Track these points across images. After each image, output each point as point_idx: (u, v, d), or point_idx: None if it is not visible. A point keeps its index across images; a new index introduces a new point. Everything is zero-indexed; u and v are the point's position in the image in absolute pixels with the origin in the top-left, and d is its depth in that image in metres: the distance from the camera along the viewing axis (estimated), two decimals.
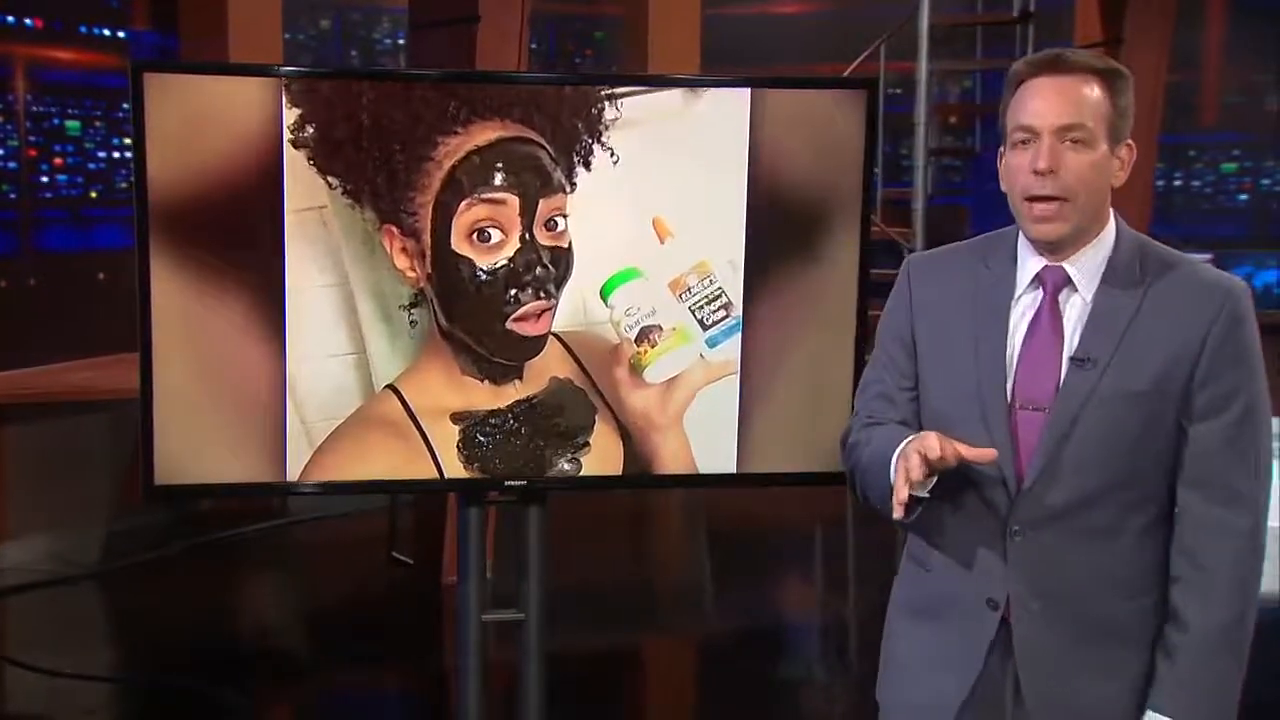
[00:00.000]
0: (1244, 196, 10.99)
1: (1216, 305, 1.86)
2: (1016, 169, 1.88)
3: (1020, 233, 1.95)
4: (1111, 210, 1.93)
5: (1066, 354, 1.88)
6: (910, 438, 1.88)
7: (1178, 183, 11.05)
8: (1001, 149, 1.94)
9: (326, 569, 5.87)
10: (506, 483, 2.91)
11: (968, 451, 1.82)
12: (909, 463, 1.81)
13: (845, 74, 6.96)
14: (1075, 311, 1.90)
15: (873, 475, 1.98)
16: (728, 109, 2.84)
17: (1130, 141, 1.90)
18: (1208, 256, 10.18)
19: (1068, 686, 1.91)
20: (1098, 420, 1.85)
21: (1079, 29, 7.92)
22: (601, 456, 2.91)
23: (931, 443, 1.81)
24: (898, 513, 1.83)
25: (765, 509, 6.01)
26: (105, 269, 8.30)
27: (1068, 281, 1.91)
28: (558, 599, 3.11)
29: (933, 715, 1.99)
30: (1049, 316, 1.91)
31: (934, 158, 7.57)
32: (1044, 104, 1.84)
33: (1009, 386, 1.90)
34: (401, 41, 10.76)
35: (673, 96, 2.84)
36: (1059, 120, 1.83)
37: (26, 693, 4.38)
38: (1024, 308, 1.93)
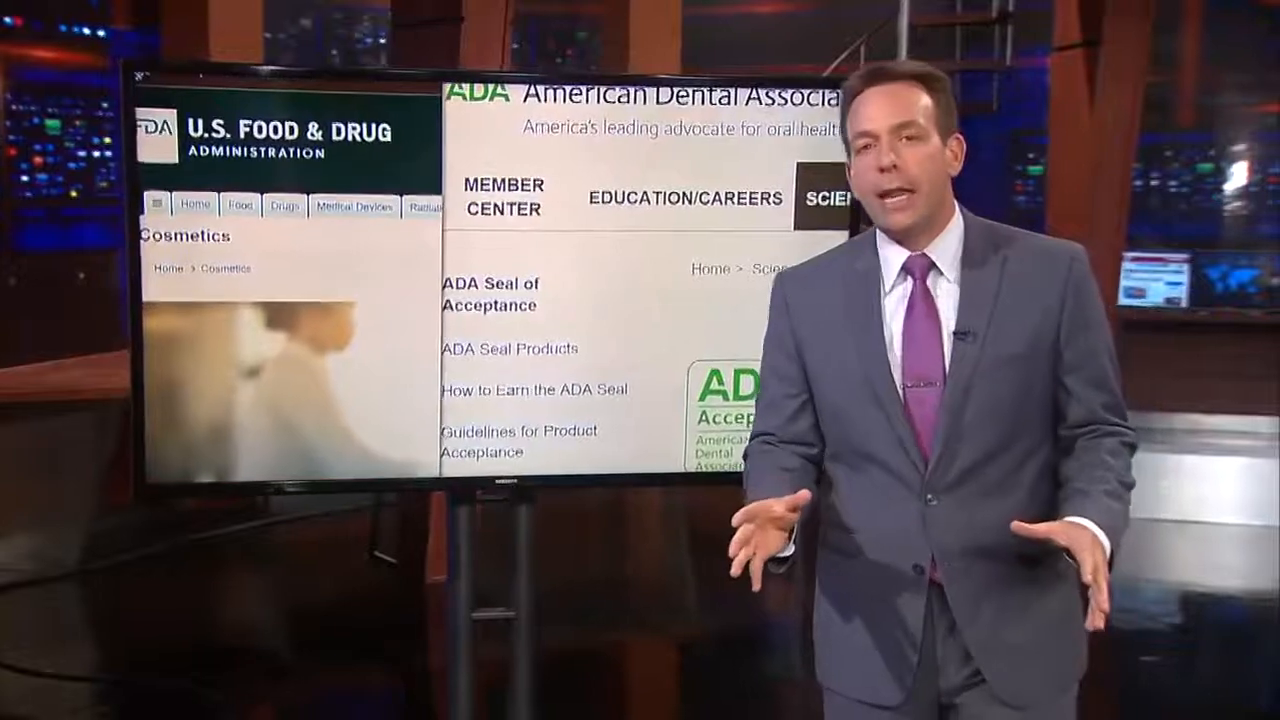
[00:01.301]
0: (1220, 196, 11.07)
1: (1064, 268, 2.07)
2: (864, 170, 2.05)
3: (878, 230, 2.11)
4: (955, 201, 2.10)
5: (946, 331, 2.05)
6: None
7: (1155, 182, 11.13)
8: (847, 161, 2.10)
9: (309, 569, 5.85)
10: (496, 480, 2.92)
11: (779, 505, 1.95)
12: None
13: (825, 74, 6.97)
14: (945, 292, 2.07)
15: None
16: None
17: (959, 135, 2.07)
18: (1185, 256, 10.12)
19: (997, 628, 2.06)
20: (986, 387, 2.03)
21: (1057, 30, 7.92)
22: (591, 453, 2.93)
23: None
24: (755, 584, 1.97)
25: None
26: (86, 268, 8.27)
27: (932, 267, 2.07)
28: (544, 598, 3.12)
29: (892, 683, 2.10)
30: (922, 300, 2.07)
31: None
32: (877, 109, 2.03)
33: (897, 369, 2.06)
34: (383, 41, 10.74)
35: None
36: (892, 120, 2.01)
37: (10, 693, 4.37)
38: (897, 296, 2.09)
